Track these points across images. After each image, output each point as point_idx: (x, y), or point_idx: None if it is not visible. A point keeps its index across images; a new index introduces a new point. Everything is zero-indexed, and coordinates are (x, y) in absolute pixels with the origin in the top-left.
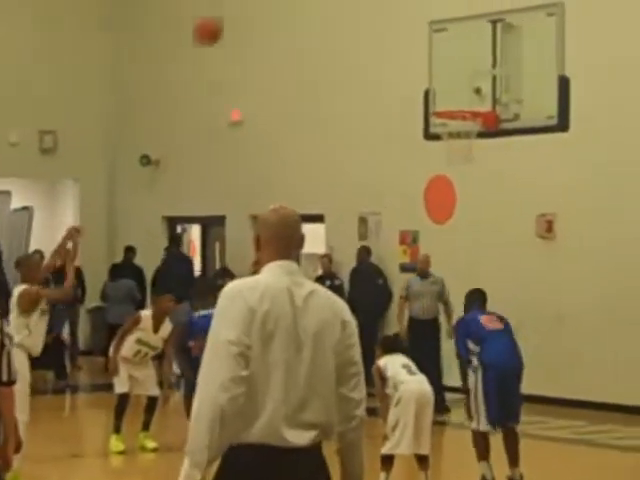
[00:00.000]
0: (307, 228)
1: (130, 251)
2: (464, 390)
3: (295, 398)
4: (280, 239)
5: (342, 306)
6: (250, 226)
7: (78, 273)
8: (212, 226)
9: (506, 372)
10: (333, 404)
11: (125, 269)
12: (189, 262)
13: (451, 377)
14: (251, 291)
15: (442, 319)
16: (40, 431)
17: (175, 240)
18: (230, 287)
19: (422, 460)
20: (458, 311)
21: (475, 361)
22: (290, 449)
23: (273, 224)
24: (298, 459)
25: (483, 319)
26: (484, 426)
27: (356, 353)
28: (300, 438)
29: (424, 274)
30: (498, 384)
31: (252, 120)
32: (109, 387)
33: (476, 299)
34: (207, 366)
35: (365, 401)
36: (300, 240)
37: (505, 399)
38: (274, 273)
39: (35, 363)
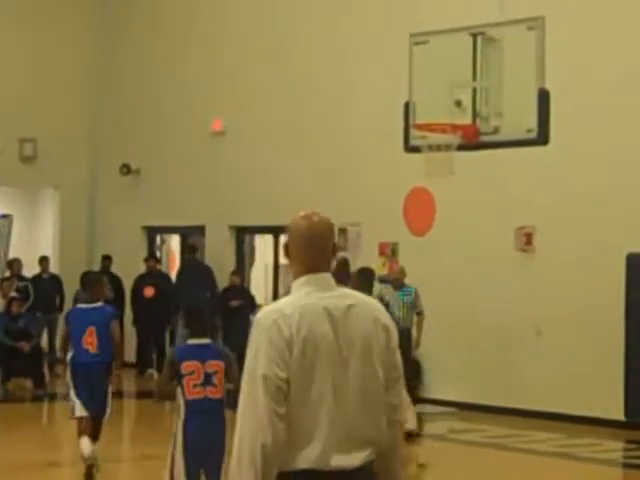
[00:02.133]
0: (285, 238)
1: (107, 260)
2: None
3: (345, 420)
4: (311, 249)
5: (380, 310)
6: (229, 236)
7: (57, 281)
8: (192, 236)
9: None
10: (383, 417)
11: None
12: (208, 271)
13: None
14: (285, 320)
15: (413, 330)
16: (18, 438)
17: (191, 249)
18: (263, 316)
19: None
20: (432, 320)
21: None
22: (343, 472)
23: (304, 232)
24: None
25: None
26: None
27: (398, 357)
28: (352, 460)
29: (399, 285)
30: None
31: (233, 130)
32: None
33: (365, 278)
34: (244, 402)
35: (402, 405)
36: (332, 248)
37: None
38: (307, 292)
39: (14, 372)
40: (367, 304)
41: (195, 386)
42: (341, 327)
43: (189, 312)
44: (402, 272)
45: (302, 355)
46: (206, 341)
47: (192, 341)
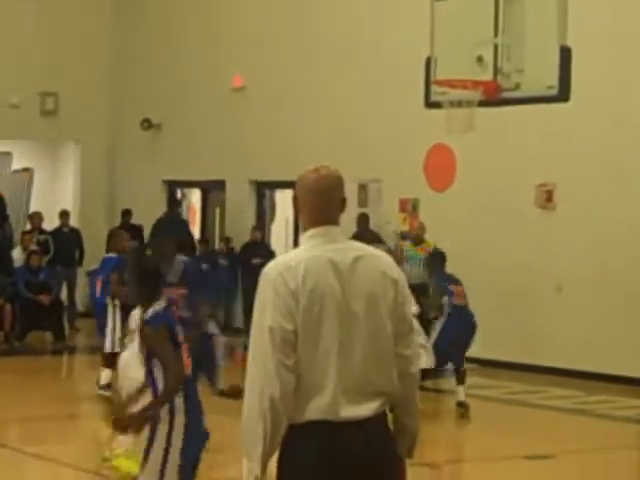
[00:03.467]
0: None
1: (127, 214)
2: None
3: (354, 372)
4: (318, 202)
5: (389, 263)
6: (250, 191)
7: (77, 235)
8: (212, 191)
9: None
10: (393, 369)
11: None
12: (186, 225)
13: None
14: (291, 272)
15: None
16: (37, 391)
17: (174, 203)
18: (269, 269)
19: None
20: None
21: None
22: (353, 422)
23: (312, 185)
24: (362, 431)
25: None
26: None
27: (408, 309)
28: (363, 410)
29: (419, 241)
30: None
31: (254, 86)
32: None
33: (438, 261)
34: (252, 355)
35: (418, 357)
36: (341, 202)
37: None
38: (313, 244)
39: (34, 324)
40: (375, 257)
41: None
42: (347, 279)
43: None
44: (422, 228)
45: (308, 307)
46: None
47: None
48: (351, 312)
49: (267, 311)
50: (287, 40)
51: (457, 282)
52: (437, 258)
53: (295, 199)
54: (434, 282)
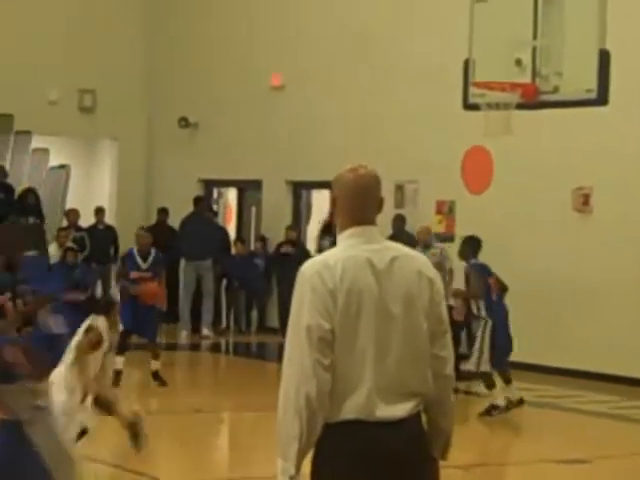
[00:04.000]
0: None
1: (163, 213)
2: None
3: (390, 372)
4: (356, 201)
5: (425, 263)
6: (286, 191)
7: (112, 232)
8: (249, 190)
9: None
10: (428, 370)
11: (159, 231)
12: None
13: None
14: (329, 270)
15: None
16: None
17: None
18: (307, 268)
19: None
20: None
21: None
22: (388, 422)
23: (350, 185)
24: (397, 431)
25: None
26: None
27: (443, 310)
28: (398, 411)
29: (426, 245)
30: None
31: (292, 85)
32: (142, 346)
33: (475, 247)
34: (289, 354)
35: (452, 359)
36: (379, 202)
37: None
38: (350, 244)
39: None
40: (411, 257)
41: None
42: (384, 279)
43: None
44: (425, 232)
45: (346, 306)
46: None
47: None
48: (388, 312)
49: (304, 310)
50: (325, 40)
51: (491, 273)
52: (473, 243)
53: (332, 199)
54: (475, 270)
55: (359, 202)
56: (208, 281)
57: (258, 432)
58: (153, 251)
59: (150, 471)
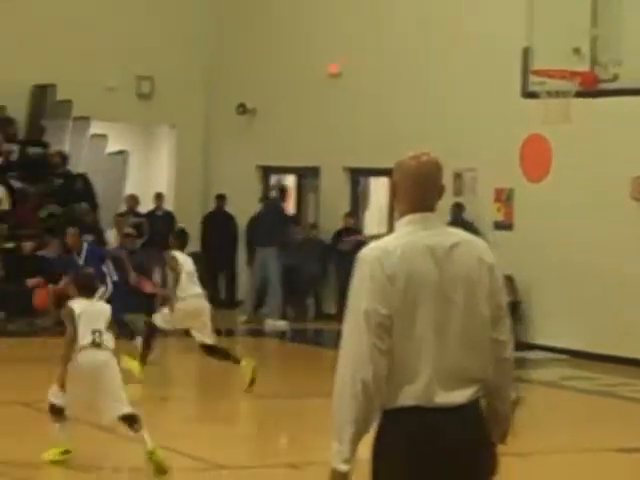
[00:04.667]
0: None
1: (221, 198)
2: None
3: (450, 358)
4: (417, 188)
5: (485, 249)
6: (344, 178)
7: (171, 218)
8: (307, 177)
9: None
10: (488, 355)
11: (217, 217)
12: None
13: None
14: (388, 256)
15: None
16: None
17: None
18: (366, 253)
19: None
20: (545, 267)
21: None
22: (447, 409)
23: (411, 171)
24: (456, 418)
25: None
26: None
27: (502, 295)
28: (457, 397)
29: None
30: None
31: (350, 73)
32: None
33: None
34: (346, 338)
35: (512, 343)
36: (440, 190)
37: None
38: (410, 230)
39: (128, 307)
40: (471, 243)
41: None
42: (444, 265)
43: None
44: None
45: (404, 292)
46: None
47: None
48: (447, 298)
49: (363, 295)
50: (383, 27)
51: None
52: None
53: (393, 185)
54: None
55: (420, 189)
56: (273, 268)
57: (315, 417)
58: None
59: (208, 456)
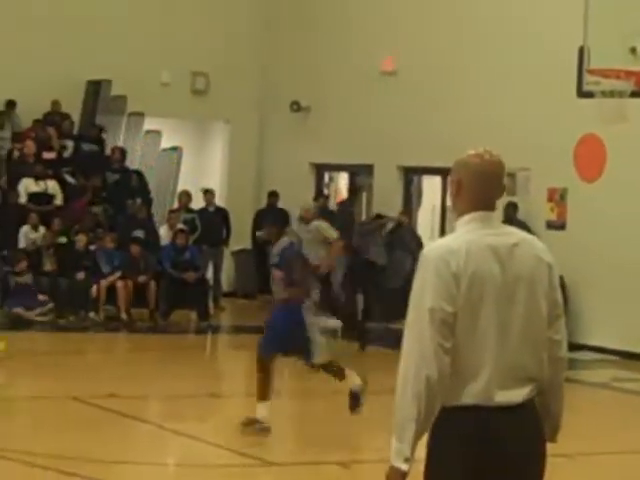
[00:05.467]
0: (453, 175)
1: (273, 196)
2: None
3: (510, 357)
4: (481, 187)
5: (543, 248)
6: (397, 176)
7: (223, 215)
8: (360, 175)
9: None
10: (545, 354)
11: (269, 214)
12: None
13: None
14: (453, 255)
15: None
16: (181, 369)
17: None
18: (429, 251)
19: None
20: (598, 268)
21: None
22: (506, 408)
23: (476, 169)
24: (514, 417)
25: None
26: None
27: (559, 294)
28: (515, 396)
29: (307, 222)
30: None
31: (404, 71)
32: (251, 329)
33: None
34: (409, 336)
35: (566, 342)
36: (502, 190)
37: None
38: (472, 228)
39: (179, 303)
40: (530, 242)
41: None
42: (507, 264)
43: None
44: (308, 211)
45: (469, 290)
46: None
47: None
48: (509, 297)
49: (427, 293)
50: (439, 24)
51: None
52: None
53: (454, 183)
54: None
55: (484, 187)
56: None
57: (365, 415)
58: None
59: (257, 453)
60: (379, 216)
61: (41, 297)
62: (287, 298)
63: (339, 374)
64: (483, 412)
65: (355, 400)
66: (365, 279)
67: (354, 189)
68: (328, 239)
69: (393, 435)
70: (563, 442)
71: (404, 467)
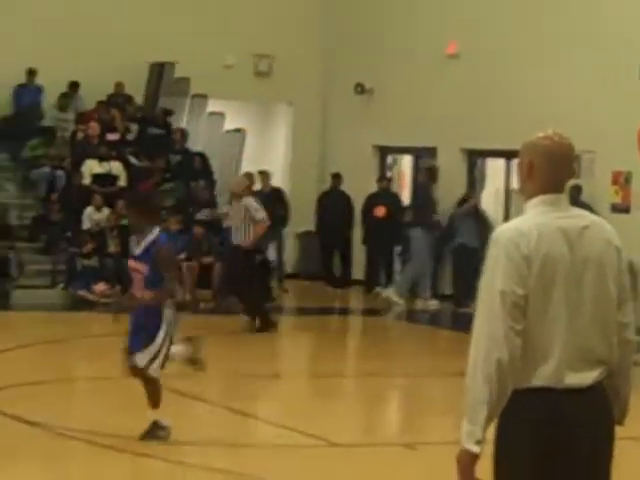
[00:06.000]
0: (522, 158)
1: (336, 178)
2: None
3: (579, 339)
4: (551, 169)
5: (612, 232)
6: (461, 159)
7: (280, 195)
8: (423, 157)
9: None
10: (614, 337)
11: (333, 196)
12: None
13: None
14: (523, 237)
15: None
16: (243, 350)
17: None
18: (500, 233)
19: None
20: None
21: None
22: (576, 390)
23: (546, 151)
24: (582, 400)
25: None
26: None
27: (626, 278)
28: (585, 378)
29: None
30: None
31: (468, 54)
32: (313, 311)
33: None
34: (480, 319)
35: (634, 325)
36: (572, 172)
37: None
38: (542, 211)
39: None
40: (600, 225)
41: None
42: (577, 248)
43: None
44: (240, 185)
45: (540, 273)
46: None
47: None
48: (579, 279)
49: (498, 275)
50: (502, 7)
51: None
52: None
53: (524, 165)
54: None
55: (555, 170)
56: (420, 248)
57: (431, 397)
58: None
59: (321, 433)
60: (464, 199)
61: (104, 283)
62: (146, 300)
63: (155, 395)
64: (553, 395)
65: (151, 434)
66: (462, 263)
67: (432, 171)
68: (254, 218)
69: (464, 417)
70: (631, 425)
71: (475, 449)
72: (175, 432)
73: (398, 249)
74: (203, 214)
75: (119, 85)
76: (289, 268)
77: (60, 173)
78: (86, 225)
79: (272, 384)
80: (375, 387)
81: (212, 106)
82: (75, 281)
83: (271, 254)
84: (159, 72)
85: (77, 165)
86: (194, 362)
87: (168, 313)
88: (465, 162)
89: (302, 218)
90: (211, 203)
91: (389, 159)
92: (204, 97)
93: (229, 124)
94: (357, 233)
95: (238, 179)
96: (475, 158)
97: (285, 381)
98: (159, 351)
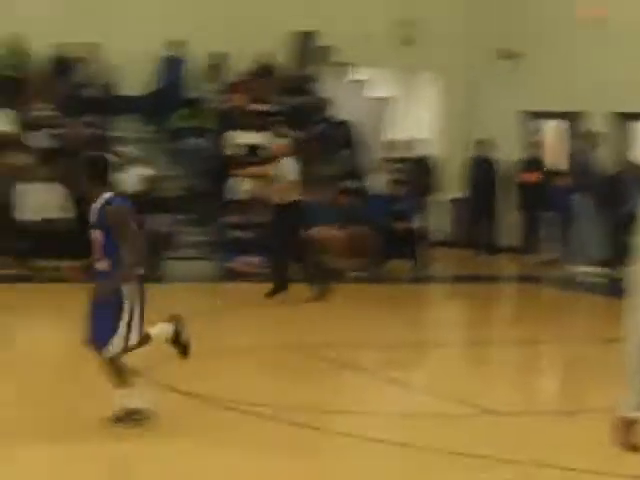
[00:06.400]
0: None
1: (481, 144)
2: None
3: None
4: None
5: None
6: (609, 123)
7: (426, 163)
8: (571, 122)
9: None
10: None
11: (479, 163)
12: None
13: None
14: None
15: None
16: (394, 319)
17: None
18: None
19: None
20: None
21: None
22: None
23: None
24: None
25: None
26: None
27: None
28: None
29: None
30: None
31: (617, 17)
32: (465, 279)
33: None
34: (638, 284)
35: None
36: None
37: None
38: None
39: (393, 253)
40: None
41: None
42: None
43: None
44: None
45: None
46: None
47: None
48: None
49: None
50: None
51: None
52: None
53: None
54: None
55: None
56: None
57: (588, 365)
58: None
59: (476, 400)
60: (625, 165)
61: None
62: (106, 271)
63: (120, 377)
64: None
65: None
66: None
67: (592, 136)
68: (286, 178)
69: (624, 385)
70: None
71: (632, 415)
72: (328, 401)
73: (549, 215)
74: (354, 184)
75: (265, 55)
76: (441, 236)
77: (206, 144)
78: (232, 196)
79: (423, 352)
80: (531, 354)
81: (355, 74)
82: (224, 253)
83: (419, 223)
84: (304, 41)
85: (224, 136)
86: (178, 343)
87: (129, 289)
88: (614, 126)
89: (448, 185)
90: (357, 171)
91: (536, 124)
92: (347, 65)
93: (373, 92)
94: (502, 199)
95: (278, 142)
96: (625, 122)
97: (436, 349)
98: (127, 336)
